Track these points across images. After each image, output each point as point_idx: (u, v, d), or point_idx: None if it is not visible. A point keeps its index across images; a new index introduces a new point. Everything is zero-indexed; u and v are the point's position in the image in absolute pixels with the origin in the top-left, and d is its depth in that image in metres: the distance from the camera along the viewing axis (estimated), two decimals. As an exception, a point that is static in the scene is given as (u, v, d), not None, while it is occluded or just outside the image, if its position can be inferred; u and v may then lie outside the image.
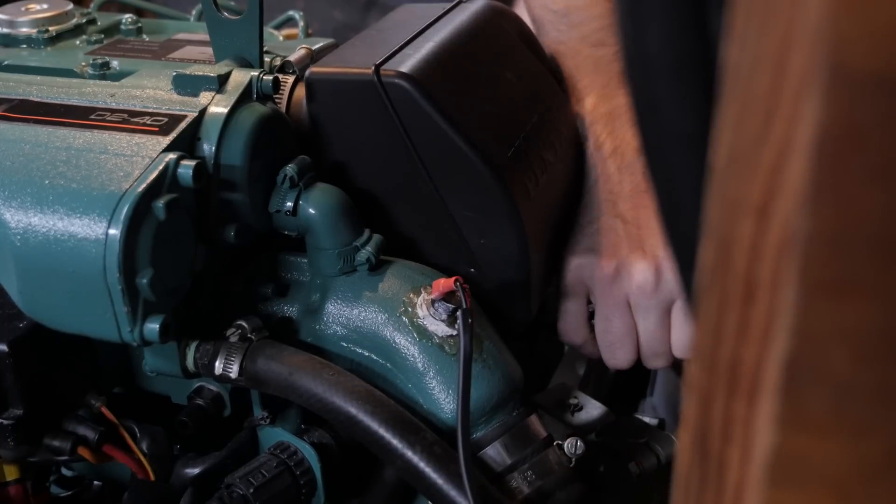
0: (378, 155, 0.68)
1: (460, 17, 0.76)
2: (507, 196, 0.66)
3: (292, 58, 0.73)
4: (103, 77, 0.71)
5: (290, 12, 0.98)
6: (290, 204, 0.64)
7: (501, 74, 0.75)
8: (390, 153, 0.67)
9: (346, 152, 0.69)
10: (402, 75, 0.64)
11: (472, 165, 0.65)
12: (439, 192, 0.67)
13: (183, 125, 0.61)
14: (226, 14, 0.67)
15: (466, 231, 0.68)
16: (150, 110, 0.63)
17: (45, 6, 0.81)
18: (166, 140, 0.59)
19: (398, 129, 0.65)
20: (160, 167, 0.57)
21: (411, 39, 0.70)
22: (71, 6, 0.82)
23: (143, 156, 0.58)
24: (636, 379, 1.04)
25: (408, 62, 0.66)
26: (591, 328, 0.81)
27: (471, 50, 0.73)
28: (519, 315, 0.71)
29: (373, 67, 0.65)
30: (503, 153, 0.68)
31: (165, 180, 0.57)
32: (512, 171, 0.68)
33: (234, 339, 0.62)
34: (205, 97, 0.63)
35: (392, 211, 0.70)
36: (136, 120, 0.62)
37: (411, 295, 0.64)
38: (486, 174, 0.66)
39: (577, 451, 0.64)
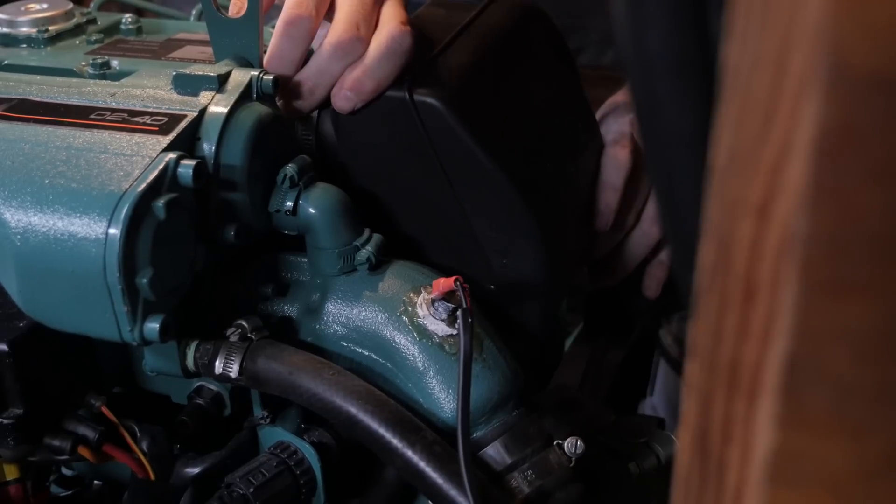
0: (404, 170, 0.67)
1: (490, 22, 0.74)
2: (533, 218, 0.66)
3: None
4: (103, 77, 0.71)
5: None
6: (290, 203, 0.64)
7: (530, 84, 0.74)
8: (417, 169, 0.66)
9: (372, 165, 0.68)
10: (435, 95, 0.64)
11: (501, 188, 0.65)
12: (465, 211, 0.67)
13: (183, 125, 0.61)
14: (226, 14, 0.67)
15: (489, 250, 0.68)
16: (149, 110, 0.63)
17: (45, 6, 0.81)
18: (166, 140, 0.59)
19: (428, 147, 0.64)
20: (160, 167, 0.57)
21: (442, 50, 0.69)
22: (71, 6, 0.82)
23: (143, 155, 0.58)
24: (636, 379, 1.04)
25: (441, 81, 0.65)
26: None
27: (501, 62, 0.72)
28: (534, 331, 0.71)
29: (405, 85, 0.64)
30: (531, 173, 0.68)
31: (165, 180, 0.57)
32: (539, 191, 0.68)
33: (234, 338, 0.62)
34: (205, 97, 0.63)
35: (415, 227, 0.70)
36: (136, 119, 0.62)
37: (411, 294, 0.64)
38: (515, 197, 0.65)
39: (577, 451, 0.64)
